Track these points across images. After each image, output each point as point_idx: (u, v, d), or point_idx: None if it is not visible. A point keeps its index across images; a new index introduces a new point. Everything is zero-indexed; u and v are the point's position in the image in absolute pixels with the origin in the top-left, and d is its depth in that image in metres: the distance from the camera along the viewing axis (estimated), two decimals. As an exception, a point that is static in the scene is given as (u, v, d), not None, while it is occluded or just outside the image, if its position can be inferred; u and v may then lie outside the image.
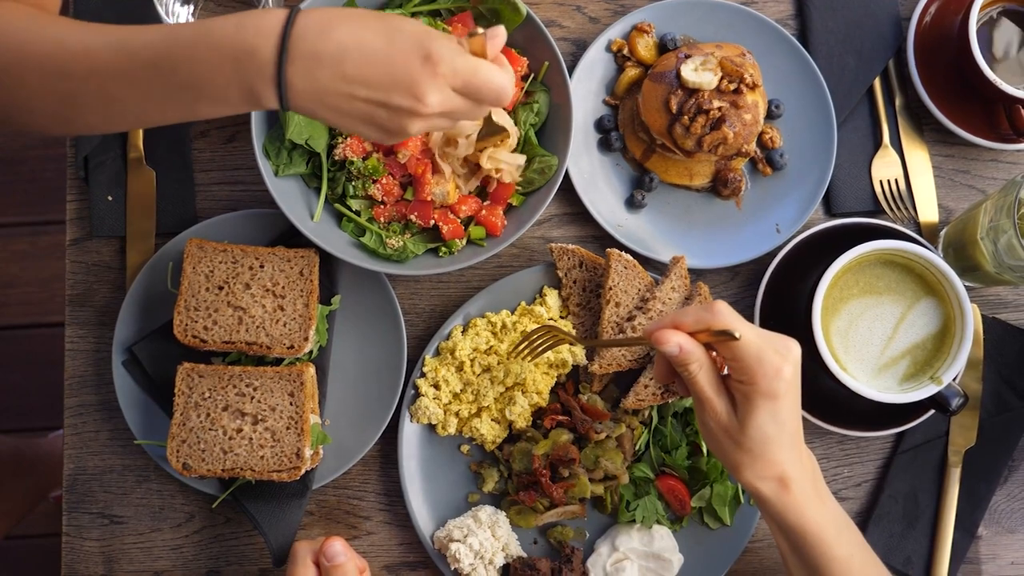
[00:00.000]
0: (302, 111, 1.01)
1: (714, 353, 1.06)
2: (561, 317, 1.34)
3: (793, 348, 1.04)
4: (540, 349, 1.28)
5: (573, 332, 1.32)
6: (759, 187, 1.40)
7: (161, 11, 1.30)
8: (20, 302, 2.51)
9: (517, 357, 1.29)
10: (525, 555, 1.31)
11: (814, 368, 1.26)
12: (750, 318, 1.34)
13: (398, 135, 1.02)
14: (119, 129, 1.10)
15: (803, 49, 1.39)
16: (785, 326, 1.18)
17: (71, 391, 1.36)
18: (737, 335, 0.99)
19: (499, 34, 1.04)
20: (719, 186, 1.38)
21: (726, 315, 1.02)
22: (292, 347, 1.26)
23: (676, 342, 1.03)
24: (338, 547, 1.20)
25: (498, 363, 1.31)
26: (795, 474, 1.05)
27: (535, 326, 1.31)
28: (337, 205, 1.32)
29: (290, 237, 1.32)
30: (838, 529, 1.07)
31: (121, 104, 1.03)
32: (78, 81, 1.01)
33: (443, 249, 1.31)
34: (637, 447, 1.32)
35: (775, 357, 1.02)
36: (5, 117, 1.06)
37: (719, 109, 1.29)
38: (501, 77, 1.01)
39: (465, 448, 1.34)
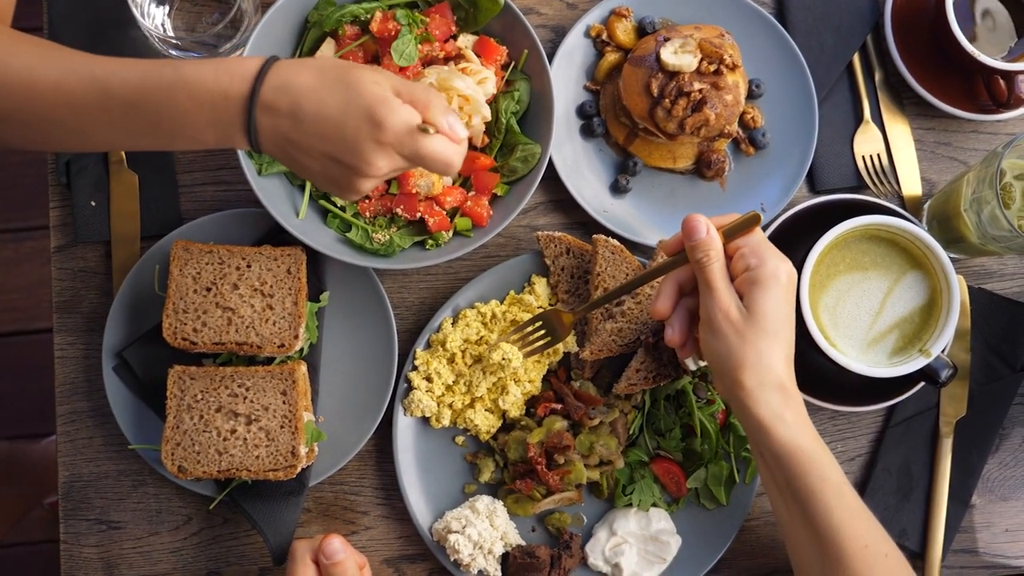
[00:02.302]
0: (270, 155, 1.06)
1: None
2: (550, 305, 1.34)
3: (791, 264, 1.11)
4: (534, 347, 1.28)
5: (565, 309, 1.32)
6: (743, 167, 1.40)
7: (136, 12, 1.29)
8: (6, 308, 2.49)
9: (507, 342, 1.29)
10: (524, 543, 1.32)
11: (803, 345, 1.27)
12: (738, 298, 1.34)
13: (352, 192, 1.08)
14: (92, 151, 1.12)
15: (781, 27, 1.39)
16: (774, 305, 1.19)
17: (62, 398, 1.36)
18: (762, 211, 1.10)
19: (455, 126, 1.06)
20: (703, 168, 1.38)
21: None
22: (282, 346, 1.25)
23: (706, 224, 1.09)
24: (337, 545, 1.20)
25: (489, 353, 1.31)
26: (793, 389, 1.08)
27: (527, 316, 1.32)
28: (322, 202, 1.32)
29: (276, 235, 1.32)
30: (831, 457, 1.08)
31: (94, 134, 1.06)
32: (51, 111, 1.04)
33: (430, 242, 1.31)
34: (631, 431, 1.33)
35: (779, 255, 1.10)
36: None
37: (700, 91, 1.29)
38: (447, 151, 1.05)
39: (460, 439, 1.34)
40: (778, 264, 1.08)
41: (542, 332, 1.28)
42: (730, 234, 1.10)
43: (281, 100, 1.02)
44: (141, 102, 1.02)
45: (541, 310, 1.33)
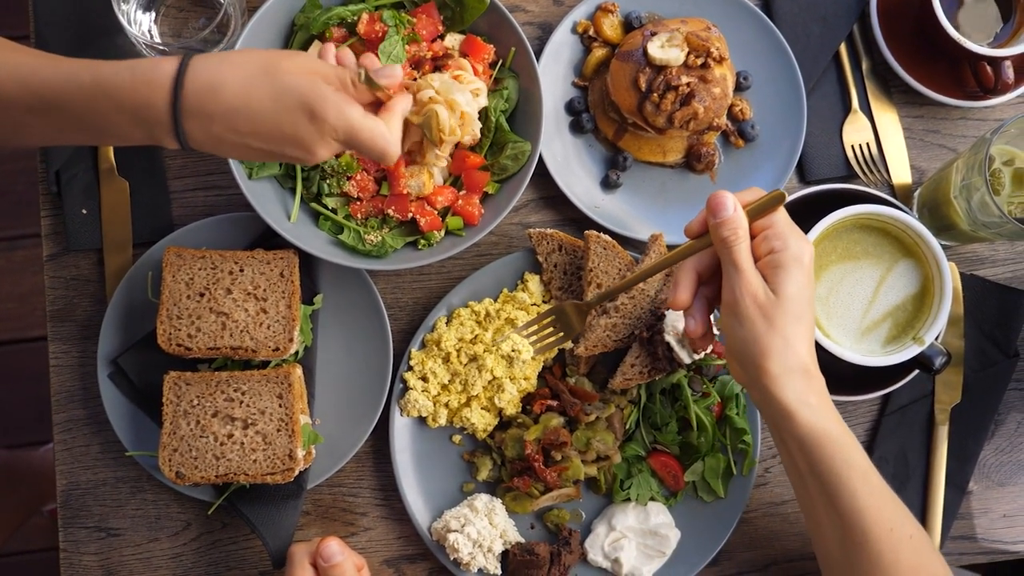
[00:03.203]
0: (205, 151, 1.07)
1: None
2: (544, 302, 1.34)
3: (811, 245, 1.08)
4: (547, 342, 1.27)
5: (580, 302, 1.31)
6: (732, 159, 1.40)
7: (122, 19, 1.28)
8: (0, 318, 2.49)
9: (520, 335, 1.28)
10: (523, 540, 1.32)
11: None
12: (731, 291, 1.34)
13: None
14: (29, 146, 1.14)
15: (767, 19, 1.39)
16: (766, 297, 1.19)
17: (58, 406, 1.36)
18: (785, 193, 1.06)
19: (392, 74, 1.09)
20: (693, 161, 1.39)
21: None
22: (277, 349, 1.25)
23: (733, 201, 1.05)
24: (334, 547, 1.21)
25: (484, 351, 1.31)
26: (815, 372, 1.06)
27: (521, 314, 1.32)
28: (313, 204, 1.32)
29: (268, 239, 1.32)
30: (855, 440, 1.07)
31: (28, 129, 1.07)
32: None
33: (422, 242, 1.31)
34: (627, 426, 1.33)
35: (801, 236, 1.07)
36: None
37: (688, 84, 1.29)
38: (380, 142, 1.07)
39: (457, 438, 1.35)
40: (802, 246, 1.05)
41: (554, 328, 1.28)
42: (754, 214, 1.06)
43: (208, 104, 1.02)
44: (64, 105, 1.03)
45: (536, 307, 1.33)
